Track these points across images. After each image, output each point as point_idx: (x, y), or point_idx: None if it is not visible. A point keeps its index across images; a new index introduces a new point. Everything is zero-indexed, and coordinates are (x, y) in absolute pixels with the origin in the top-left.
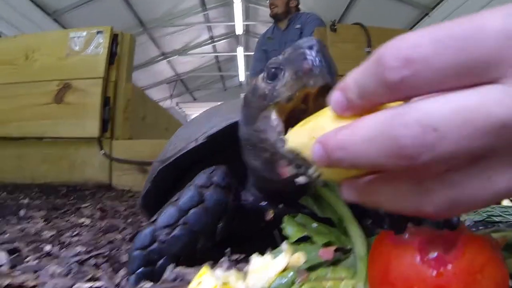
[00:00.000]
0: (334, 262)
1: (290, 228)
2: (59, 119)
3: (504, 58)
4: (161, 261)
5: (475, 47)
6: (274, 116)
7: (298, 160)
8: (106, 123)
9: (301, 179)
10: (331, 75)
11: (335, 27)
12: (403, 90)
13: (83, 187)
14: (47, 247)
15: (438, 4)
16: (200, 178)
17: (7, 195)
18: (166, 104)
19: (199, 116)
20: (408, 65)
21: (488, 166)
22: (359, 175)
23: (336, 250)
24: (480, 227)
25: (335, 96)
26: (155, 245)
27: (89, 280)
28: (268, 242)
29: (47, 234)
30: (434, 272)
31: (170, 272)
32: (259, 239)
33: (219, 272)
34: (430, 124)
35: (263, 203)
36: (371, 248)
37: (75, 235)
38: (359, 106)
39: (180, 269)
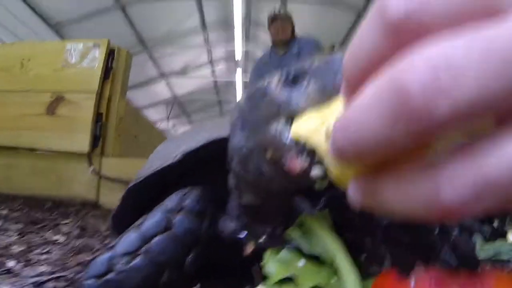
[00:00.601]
0: None
1: (272, 266)
2: (50, 131)
3: None
4: None
5: None
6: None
7: (306, 150)
8: (97, 139)
9: (316, 171)
10: None
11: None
12: (407, 34)
13: (69, 203)
14: (11, 263)
15: None
16: (170, 201)
17: None
18: (163, 125)
19: (182, 133)
20: None
21: None
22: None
23: None
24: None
25: None
26: (111, 275)
27: None
28: (245, 279)
29: (16, 249)
30: None
31: None
32: (236, 275)
33: None
34: (441, 61)
35: (243, 234)
36: None
37: (44, 253)
38: (359, 77)
39: None
